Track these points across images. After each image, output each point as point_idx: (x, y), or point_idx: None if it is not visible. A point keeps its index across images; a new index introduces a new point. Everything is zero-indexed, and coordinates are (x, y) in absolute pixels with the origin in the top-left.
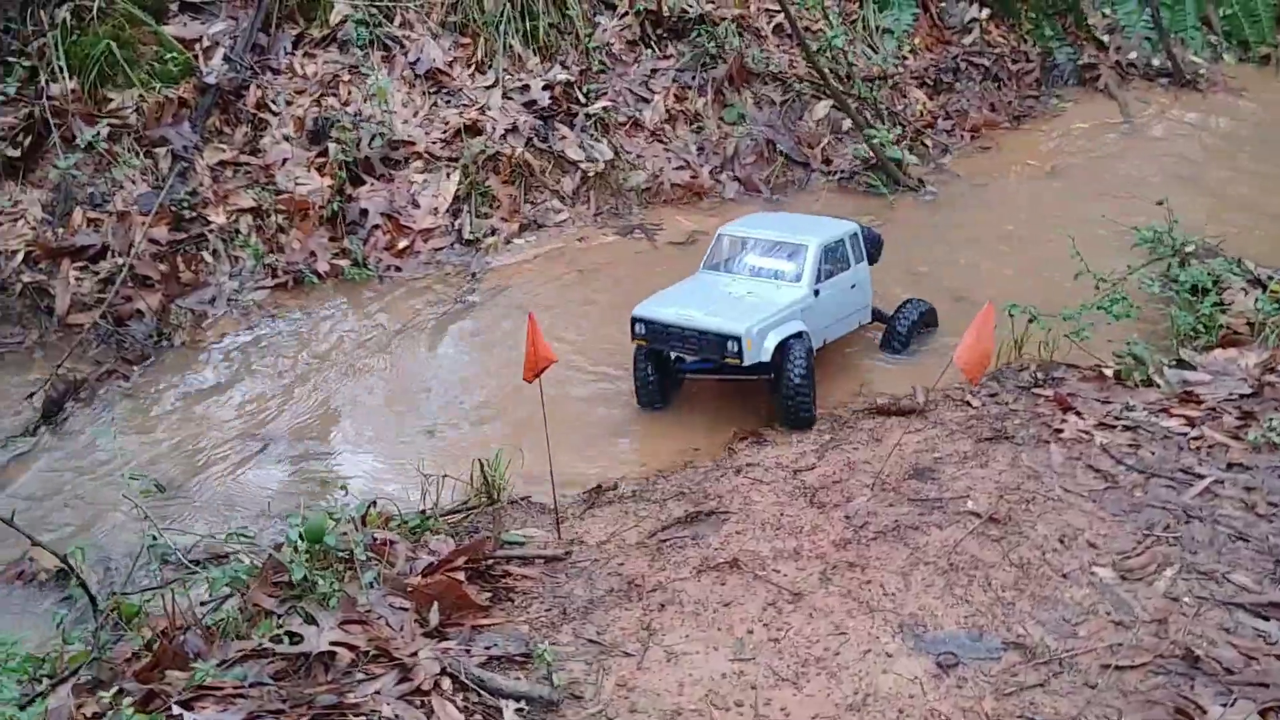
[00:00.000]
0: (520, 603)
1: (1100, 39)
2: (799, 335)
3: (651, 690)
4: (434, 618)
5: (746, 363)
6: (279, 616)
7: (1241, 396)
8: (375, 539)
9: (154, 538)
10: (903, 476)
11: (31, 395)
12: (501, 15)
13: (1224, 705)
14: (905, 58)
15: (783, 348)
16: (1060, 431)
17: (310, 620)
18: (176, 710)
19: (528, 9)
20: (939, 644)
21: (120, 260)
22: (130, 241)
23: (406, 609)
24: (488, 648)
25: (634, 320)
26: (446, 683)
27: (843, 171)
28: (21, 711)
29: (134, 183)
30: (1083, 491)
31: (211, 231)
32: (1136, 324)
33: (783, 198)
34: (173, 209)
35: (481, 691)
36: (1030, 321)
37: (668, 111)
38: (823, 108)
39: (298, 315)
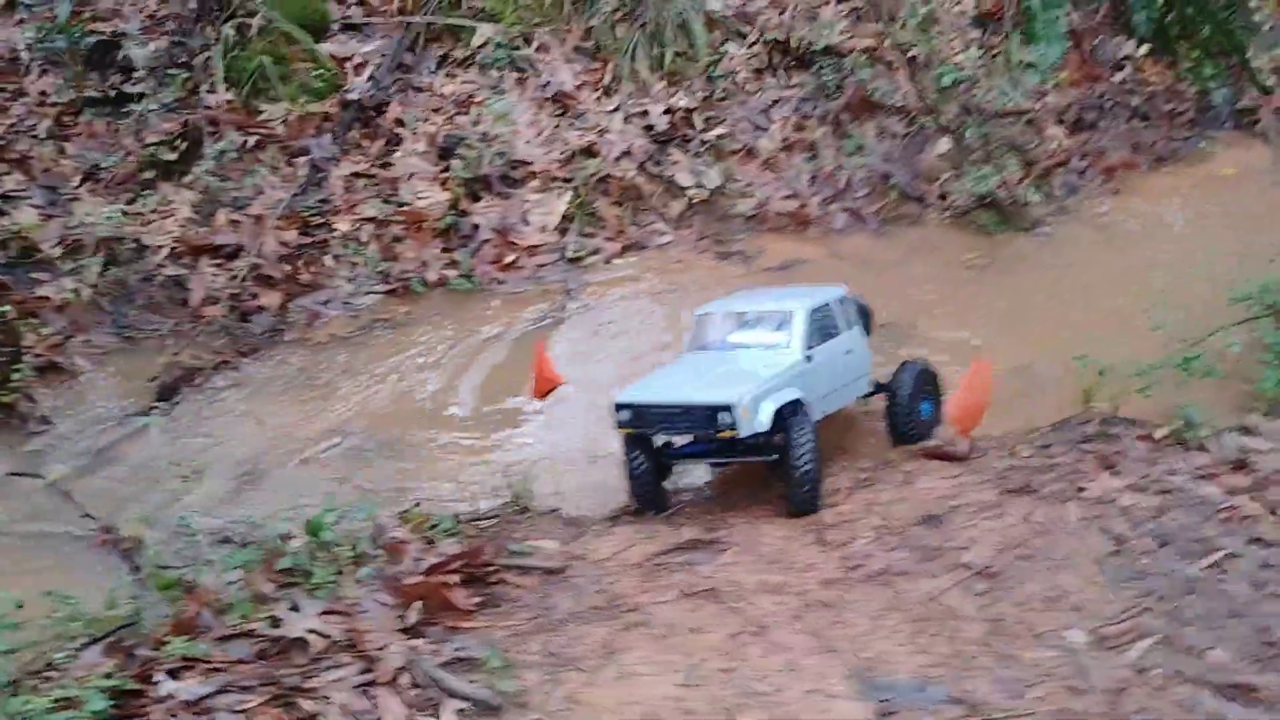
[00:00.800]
0: (505, 610)
1: (1265, 84)
2: (796, 405)
3: (593, 705)
4: (413, 616)
5: (744, 434)
6: (273, 601)
7: None
8: (391, 540)
9: (183, 518)
10: (911, 522)
11: (153, 379)
12: (632, 41)
13: None
14: (1045, 93)
15: (784, 424)
16: (1083, 490)
17: (294, 608)
18: (158, 678)
19: (658, 36)
20: (882, 690)
21: (251, 260)
22: (261, 244)
23: (390, 605)
24: (457, 649)
25: (617, 407)
26: (405, 678)
27: (957, 207)
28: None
29: (273, 189)
30: (1083, 550)
31: (335, 237)
32: (1226, 384)
33: (891, 230)
34: (303, 215)
35: (434, 688)
36: (1100, 374)
37: (784, 140)
38: (945, 143)
39: (402, 320)
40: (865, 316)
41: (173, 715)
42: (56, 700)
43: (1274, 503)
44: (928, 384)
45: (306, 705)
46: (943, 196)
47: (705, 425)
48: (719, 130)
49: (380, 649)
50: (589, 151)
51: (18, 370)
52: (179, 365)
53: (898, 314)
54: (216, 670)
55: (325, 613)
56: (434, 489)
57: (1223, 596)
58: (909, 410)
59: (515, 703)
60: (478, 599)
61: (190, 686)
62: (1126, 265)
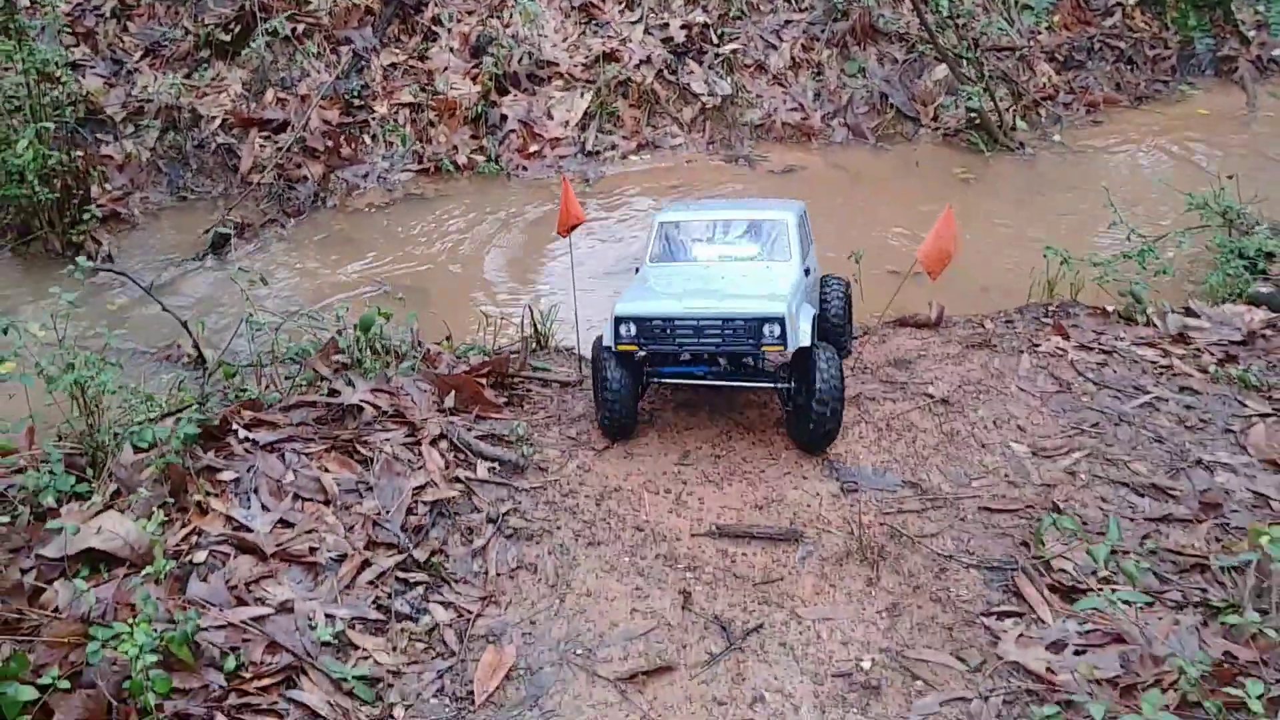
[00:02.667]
0: (528, 409)
1: (1245, 34)
2: (815, 323)
3: (602, 473)
4: (449, 401)
5: (792, 348)
6: (329, 380)
7: (1230, 343)
8: (428, 350)
9: (249, 316)
10: (883, 364)
11: (207, 231)
12: None
13: (1064, 545)
14: (1038, 33)
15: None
16: (1037, 346)
17: (350, 383)
18: (237, 427)
19: None
20: (849, 474)
21: (296, 134)
22: (306, 119)
23: (429, 391)
24: (487, 429)
25: (620, 321)
26: (443, 444)
27: (948, 128)
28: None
29: (318, 72)
30: (1035, 391)
31: (374, 119)
32: (1177, 283)
33: (887, 146)
34: (345, 97)
35: (467, 452)
36: (1063, 264)
37: (792, 59)
38: (941, 70)
39: (433, 196)
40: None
41: (249, 452)
42: (150, 443)
43: (1204, 365)
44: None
45: (362, 452)
46: (936, 118)
47: (745, 339)
48: (732, 46)
49: (422, 420)
50: (611, 57)
51: (87, 212)
52: (229, 222)
53: (890, 220)
54: (285, 427)
55: (375, 390)
56: (462, 329)
57: (1149, 427)
58: (841, 327)
59: (537, 466)
60: (504, 399)
61: (263, 435)
62: (1099, 184)
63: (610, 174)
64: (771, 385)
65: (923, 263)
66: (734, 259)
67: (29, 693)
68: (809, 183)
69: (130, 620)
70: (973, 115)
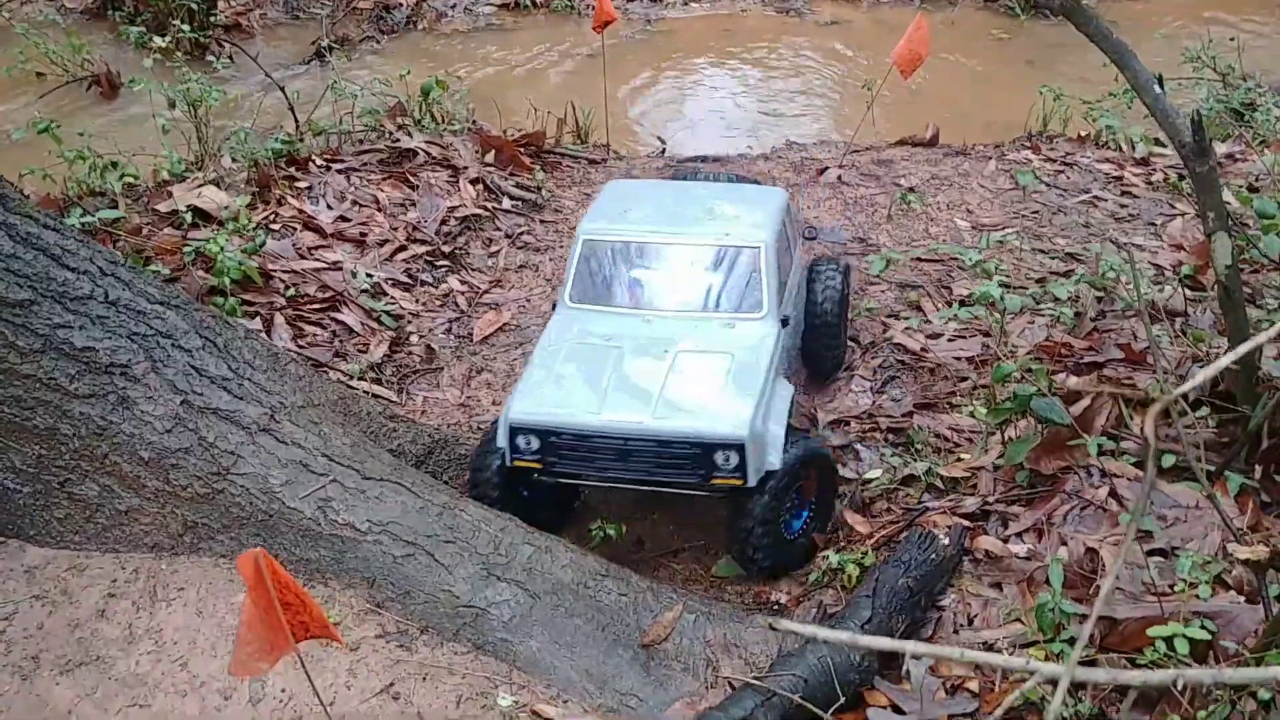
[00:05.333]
0: (555, 175)
1: None
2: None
3: None
4: (489, 158)
5: (755, 479)
6: (392, 133)
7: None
8: (481, 130)
9: (334, 81)
10: (869, 162)
11: (313, 43)
12: None
13: (970, 279)
14: None
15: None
16: (1005, 154)
17: (409, 134)
18: (314, 157)
19: None
20: (811, 229)
21: None
22: None
23: (473, 147)
24: (516, 180)
25: (515, 431)
26: (479, 185)
27: None
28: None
29: None
30: (992, 188)
31: None
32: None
33: (930, 8)
34: None
35: (496, 191)
36: (1055, 99)
37: None
38: None
39: (511, 28)
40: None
41: (322, 172)
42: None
43: (1155, 182)
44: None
45: (412, 182)
46: None
47: (690, 470)
48: None
49: (464, 166)
50: None
51: (213, 17)
52: (333, 36)
53: (921, 77)
54: (353, 164)
55: (429, 141)
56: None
57: (1081, 216)
58: (834, 330)
59: (553, 209)
60: (538, 165)
61: (335, 165)
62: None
63: (670, 18)
64: (708, 494)
65: (896, 63)
66: (683, 312)
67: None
68: (849, 36)
69: (217, 238)
70: None
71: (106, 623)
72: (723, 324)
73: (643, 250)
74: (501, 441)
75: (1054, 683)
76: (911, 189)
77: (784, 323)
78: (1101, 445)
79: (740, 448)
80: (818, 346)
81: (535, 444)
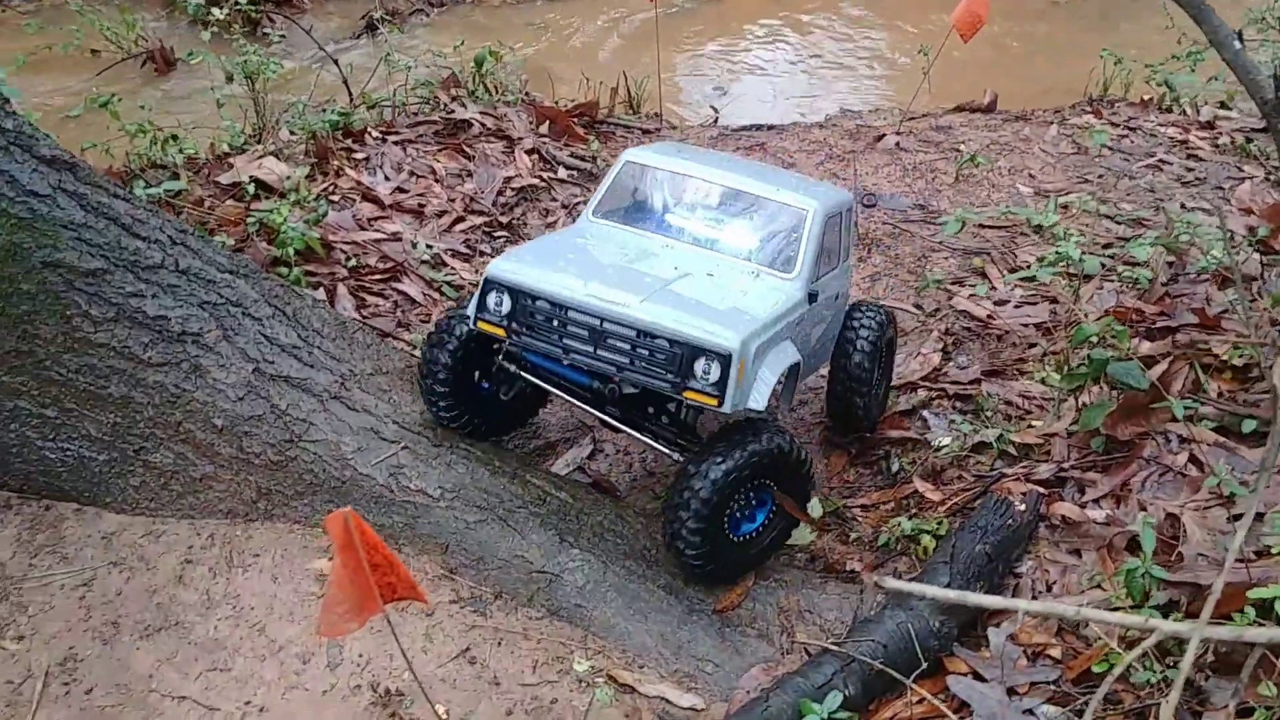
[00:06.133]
0: (609, 145)
1: None
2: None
3: None
4: (544, 129)
5: (731, 407)
6: (446, 105)
7: (1251, 130)
8: (534, 100)
9: (388, 53)
10: (927, 129)
11: (363, 16)
12: None
13: (1035, 246)
14: None
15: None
16: (1066, 119)
17: (463, 105)
18: (370, 129)
19: None
20: (871, 195)
21: None
22: None
23: (527, 118)
24: (571, 151)
25: (489, 285)
26: (535, 155)
27: None
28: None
29: None
30: (1054, 152)
31: None
32: (1237, 88)
33: None
34: None
35: (551, 161)
36: (1116, 63)
37: None
38: None
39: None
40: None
41: (379, 143)
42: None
43: (1222, 146)
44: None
45: (468, 152)
46: None
47: (664, 370)
48: None
49: (519, 137)
50: None
51: None
52: (382, 9)
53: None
54: (406, 135)
55: (483, 112)
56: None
57: (1147, 182)
58: (865, 385)
59: (606, 162)
60: (592, 135)
61: (391, 137)
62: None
63: None
64: (665, 450)
65: (956, 26)
66: (711, 246)
67: None
68: (904, 1)
69: (280, 208)
70: None
71: (184, 588)
72: (749, 270)
73: (685, 184)
74: (473, 307)
75: (1173, 643)
76: (972, 155)
77: (811, 298)
78: (1186, 409)
79: (725, 360)
80: (846, 397)
81: (506, 305)
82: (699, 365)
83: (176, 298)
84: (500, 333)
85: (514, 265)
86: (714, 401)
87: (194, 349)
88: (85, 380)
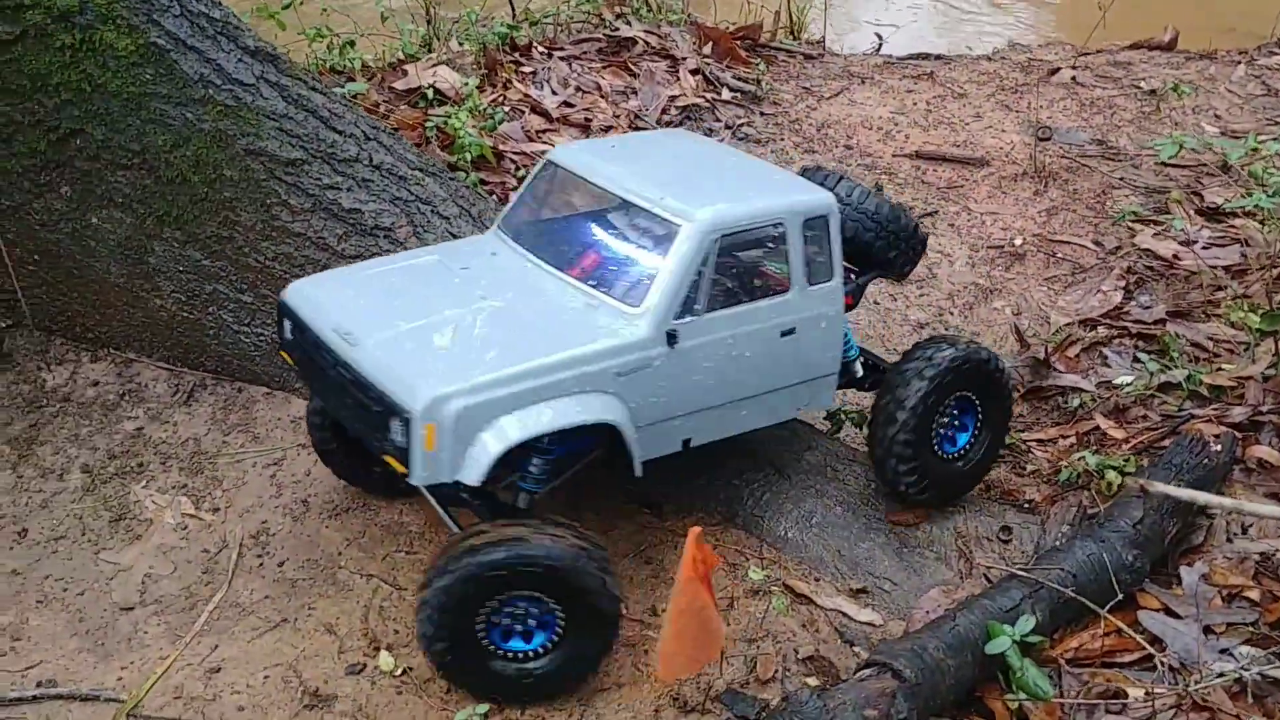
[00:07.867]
0: (772, 69)
1: None
2: (590, 441)
3: (826, 112)
4: (707, 50)
5: (418, 479)
6: (610, 22)
7: None
8: (698, 21)
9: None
10: (1107, 64)
11: None
12: None
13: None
14: None
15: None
16: (1253, 59)
17: (628, 23)
18: (536, 45)
19: None
20: (1045, 128)
21: None
22: None
23: (691, 39)
24: (735, 73)
25: (281, 311)
26: (699, 75)
27: None
28: None
29: None
30: (1241, 93)
31: None
32: None
33: None
34: None
35: (715, 82)
36: None
37: None
38: None
39: None
40: (907, 243)
41: (546, 63)
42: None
43: None
44: (972, 388)
45: (634, 70)
46: None
47: (371, 423)
48: None
49: (683, 57)
50: None
51: None
52: None
53: None
54: (572, 51)
55: (648, 31)
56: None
57: None
58: (911, 437)
59: (771, 100)
60: (755, 59)
61: (557, 53)
62: None
63: None
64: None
65: None
66: (564, 268)
67: None
68: None
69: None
70: None
71: None
72: (584, 301)
73: (588, 192)
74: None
75: None
76: (1152, 91)
77: (670, 340)
78: None
79: (408, 423)
80: (886, 463)
81: (289, 333)
82: (394, 424)
83: (370, 192)
84: (287, 359)
85: (305, 287)
86: (403, 469)
87: (385, 243)
88: (281, 269)
